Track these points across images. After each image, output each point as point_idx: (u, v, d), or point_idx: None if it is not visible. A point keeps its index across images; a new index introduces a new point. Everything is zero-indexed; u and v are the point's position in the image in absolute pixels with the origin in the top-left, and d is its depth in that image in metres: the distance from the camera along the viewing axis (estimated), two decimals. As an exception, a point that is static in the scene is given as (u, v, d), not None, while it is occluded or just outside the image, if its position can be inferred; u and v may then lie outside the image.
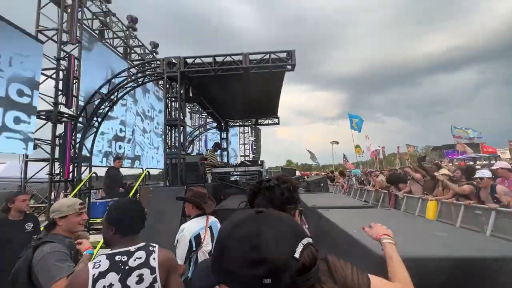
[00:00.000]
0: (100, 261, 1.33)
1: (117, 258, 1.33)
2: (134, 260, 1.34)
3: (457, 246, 1.40)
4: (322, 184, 4.90)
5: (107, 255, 1.35)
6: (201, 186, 2.76)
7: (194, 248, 2.13)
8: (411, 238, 1.55)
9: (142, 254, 1.37)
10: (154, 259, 1.38)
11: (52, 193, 6.67)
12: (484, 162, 18.24)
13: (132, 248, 1.39)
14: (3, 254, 2.82)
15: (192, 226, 2.20)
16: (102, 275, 1.27)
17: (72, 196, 6.31)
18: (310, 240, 0.54)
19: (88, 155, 7.29)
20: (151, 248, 1.42)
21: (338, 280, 0.71)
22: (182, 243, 2.11)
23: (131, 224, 1.45)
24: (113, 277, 1.27)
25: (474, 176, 4.31)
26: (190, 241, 2.11)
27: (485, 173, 4.15)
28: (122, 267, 1.30)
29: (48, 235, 1.77)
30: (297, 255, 0.49)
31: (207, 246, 2.22)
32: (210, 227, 2.29)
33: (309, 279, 0.50)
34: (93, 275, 1.28)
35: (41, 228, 3.42)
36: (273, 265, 0.47)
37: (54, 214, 1.82)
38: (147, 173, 7.77)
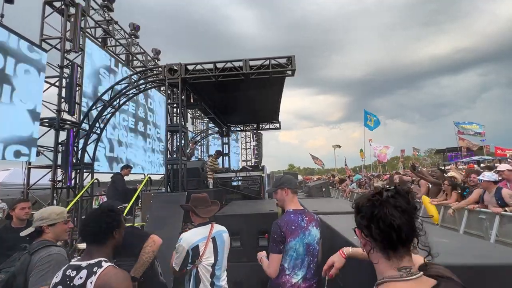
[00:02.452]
0: (60, 271, 1.31)
1: (67, 272, 1.27)
2: (78, 278, 1.24)
3: (460, 253, 1.38)
4: (323, 189, 4.87)
5: (66, 267, 1.32)
6: (203, 192, 2.65)
7: (190, 260, 2.01)
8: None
9: (84, 273, 1.24)
10: (91, 283, 1.21)
11: (54, 200, 6.70)
12: (489, 165, 18.02)
13: (83, 264, 1.28)
14: (5, 261, 2.82)
15: (191, 236, 2.07)
16: (54, 286, 1.26)
17: (75, 203, 6.33)
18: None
19: (90, 161, 7.33)
20: (95, 269, 1.25)
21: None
22: (179, 252, 2.03)
23: (82, 234, 1.38)
24: None
25: (479, 178, 4.21)
26: (188, 252, 2.01)
27: (488, 176, 4.06)
28: (68, 282, 1.24)
29: (40, 241, 1.77)
30: None
31: (208, 259, 2.04)
32: (214, 238, 2.10)
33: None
34: (52, 284, 1.28)
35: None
36: None
37: (42, 222, 1.81)
38: (148, 179, 7.78)
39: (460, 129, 18.72)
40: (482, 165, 18.47)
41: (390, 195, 0.77)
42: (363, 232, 0.80)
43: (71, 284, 1.23)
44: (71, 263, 1.34)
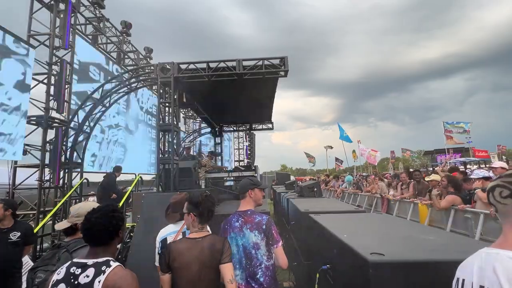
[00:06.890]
0: (62, 268, 1.27)
1: (72, 269, 1.23)
2: (84, 277, 1.21)
3: (444, 249, 1.43)
4: (315, 189, 4.91)
5: (68, 264, 1.28)
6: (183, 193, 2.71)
7: (159, 251, 2.23)
8: (398, 242, 1.57)
9: (91, 272, 1.21)
10: (99, 282, 1.18)
11: (42, 200, 6.53)
12: (475, 166, 18.58)
13: (90, 262, 1.25)
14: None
15: (162, 231, 2.34)
16: (56, 284, 1.22)
17: (63, 203, 6.18)
18: None
19: (79, 160, 7.18)
20: (103, 268, 1.23)
21: None
22: (156, 247, 2.29)
23: (85, 234, 1.32)
24: None
25: (471, 177, 4.25)
26: (159, 244, 2.27)
27: (480, 173, 4.10)
28: (73, 280, 1.20)
29: (76, 240, 1.75)
30: None
31: None
32: (184, 233, 2.24)
33: None
34: (52, 281, 1.23)
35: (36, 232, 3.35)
36: None
37: (78, 219, 1.77)
38: (139, 178, 7.68)
39: (448, 128, 19.22)
40: (468, 166, 19.03)
41: None
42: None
43: (75, 282, 1.20)
44: (74, 260, 1.29)
